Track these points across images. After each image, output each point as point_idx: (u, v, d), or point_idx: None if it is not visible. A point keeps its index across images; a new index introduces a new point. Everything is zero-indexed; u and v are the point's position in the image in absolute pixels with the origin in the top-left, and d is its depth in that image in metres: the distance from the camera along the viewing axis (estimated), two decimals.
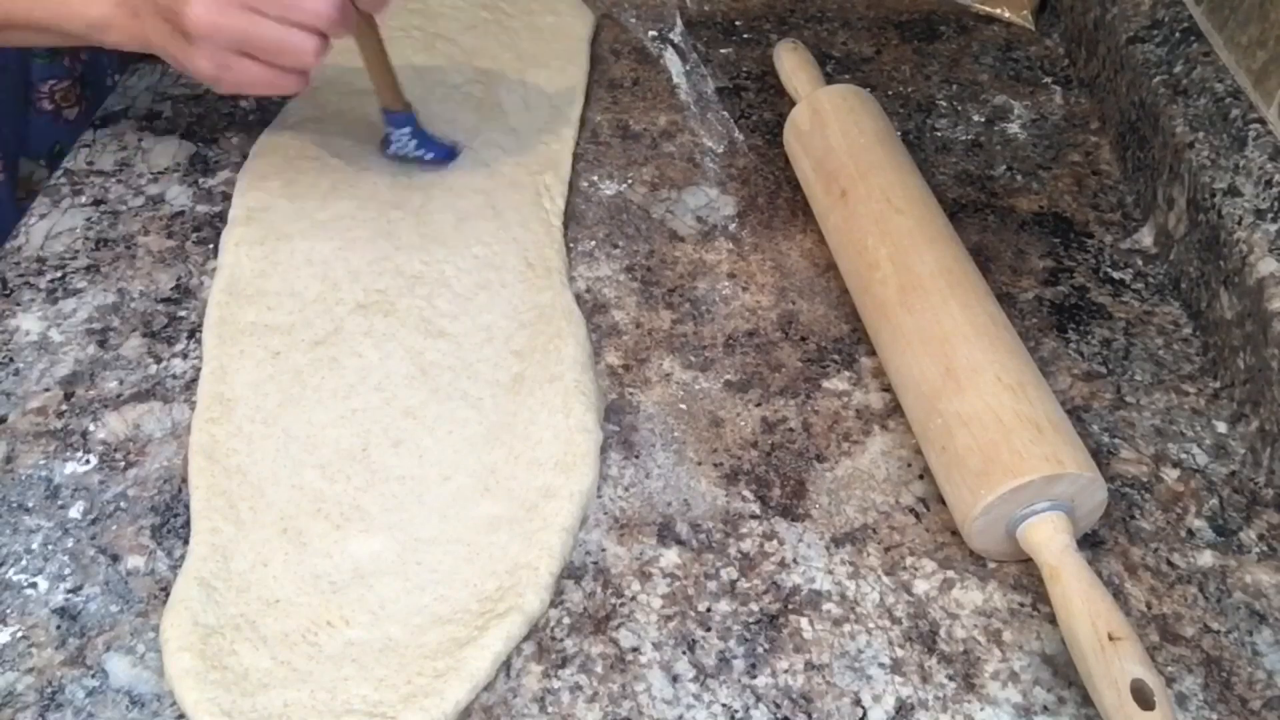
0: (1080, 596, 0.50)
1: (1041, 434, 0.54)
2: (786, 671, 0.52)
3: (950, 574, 0.56)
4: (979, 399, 0.56)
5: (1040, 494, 0.53)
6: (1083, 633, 0.49)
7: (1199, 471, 0.61)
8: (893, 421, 0.62)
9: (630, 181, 0.78)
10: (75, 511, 0.57)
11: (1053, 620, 0.52)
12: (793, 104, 0.78)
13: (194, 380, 0.63)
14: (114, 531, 0.56)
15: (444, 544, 0.55)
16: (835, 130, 0.72)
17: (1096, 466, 0.54)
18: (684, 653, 0.52)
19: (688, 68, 0.89)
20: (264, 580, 0.53)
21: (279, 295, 0.66)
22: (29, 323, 0.66)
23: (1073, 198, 0.78)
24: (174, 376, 0.64)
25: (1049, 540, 0.52)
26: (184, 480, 0.58)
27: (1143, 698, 0.46)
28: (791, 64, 0.82)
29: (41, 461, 0.59)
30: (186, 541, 0.55)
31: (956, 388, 0.57)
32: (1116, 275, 0.72)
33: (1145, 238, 0.75)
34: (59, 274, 0.69)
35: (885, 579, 0.55)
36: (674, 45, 0.91)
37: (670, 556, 0.56)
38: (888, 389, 0.64)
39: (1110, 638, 0.48)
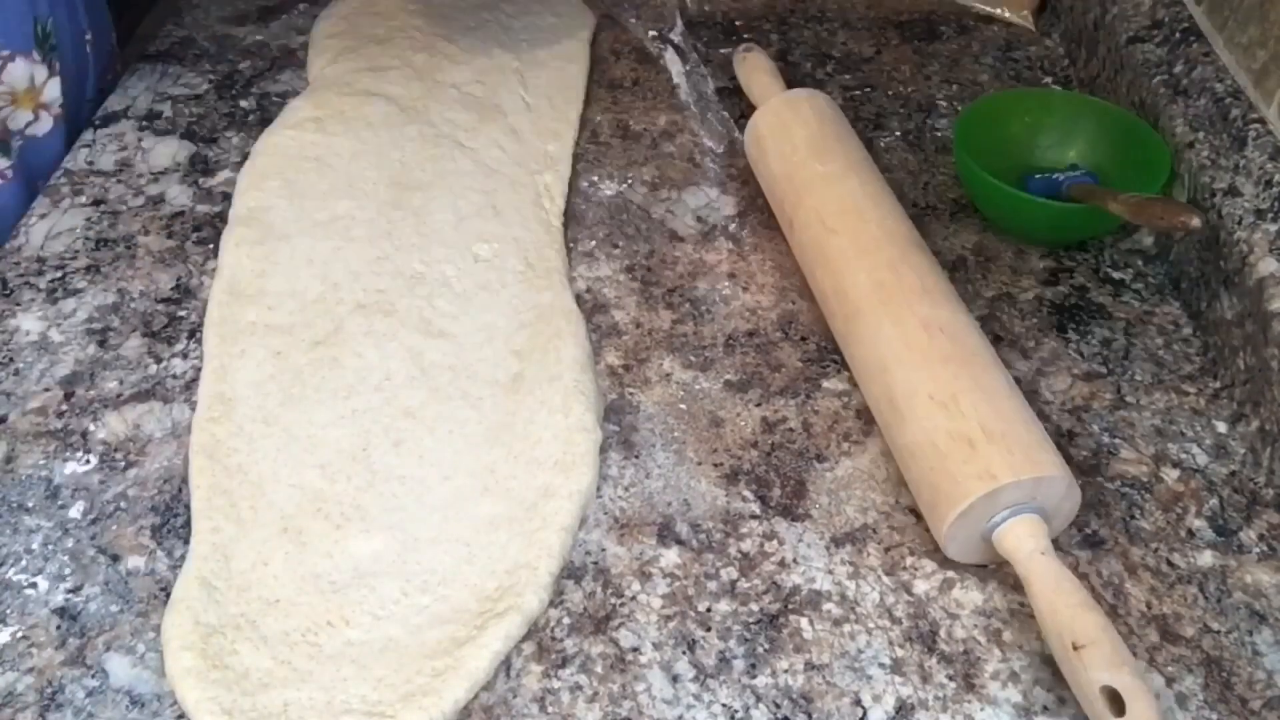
0: (1046, 606, 0.50)
1: (974, 449, 0.53)
2: (786, 671, 0.52)
3: (950, 574, 0.56)
4: (917, 427, 0.56)
5: (990, 508, 0.53)
6: (1053, 644, 0.49)
7: (1199, 471, 0.61)
8: None
9: (630, 181, 0.78)
10: (75, 511, 0.57)
11: None
12: None
13: (194, 380, 0.63)
14: (114, 531, 0.56)
15: (444, 544, 0.55)
16: (774, 155, 0.72)
17: (1048, 459, 0.53)
18: (684, 653, 0.52)
19: (688, 68, 0.89)
20: (264, 580, 0.53)
21: (279, 295, 0.66)
22: (29, 323, 0.66)
23: None
24: (174, 376, 0.64)
25: (1016, 548, 0.52)
26: (184, 480, 0.58)
27: (1117, 702, 0.46)
28: (743, 75, 0.82)
29: (41, 461, 0.59)
30: (186, 541, 0.55)
31: (900, 418, 0.57)
32: (1116, 275, 0.72)
33: (1145, 238, 0.75)
34: (59, 274, 0.69)
35: (885, 579, 0.55)
36: (674, 45, 0.91)
37: (670, 556, 0.56)
38: None
39: (1075, 647, 0.48)
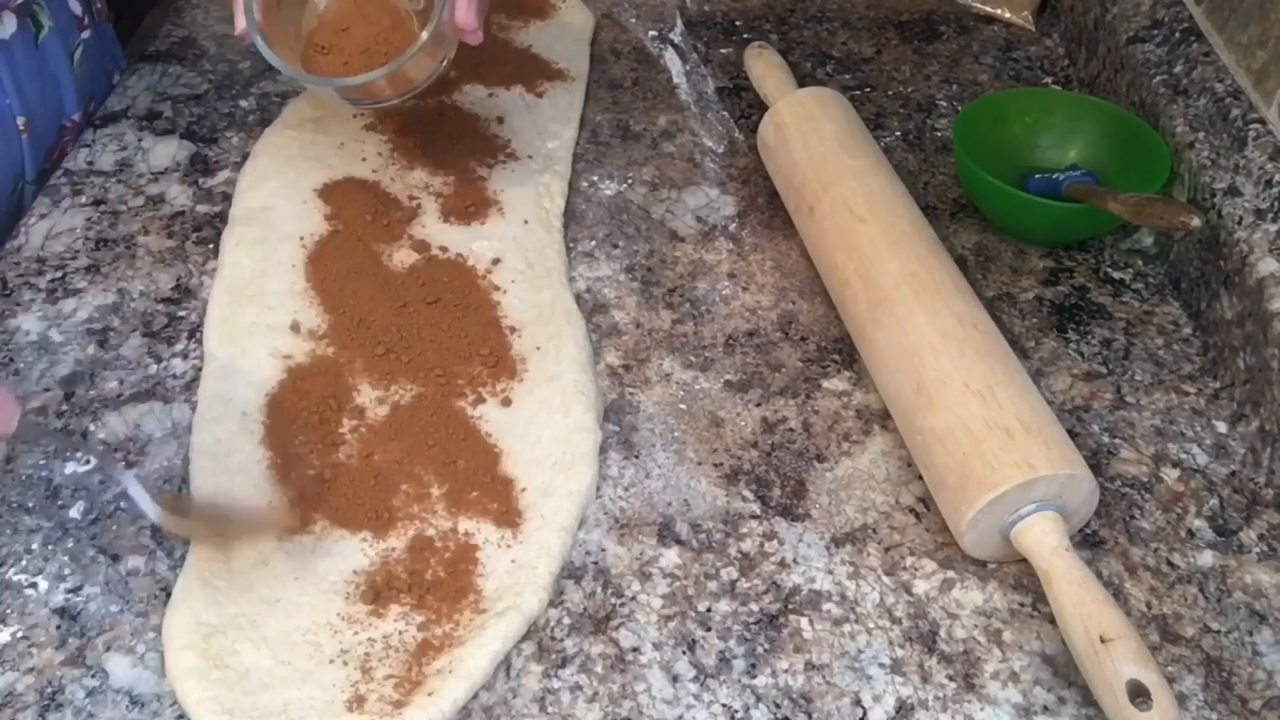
0: (1070, 600, 0.50)
1: (1012, 439, 0.54)
2: (786, 671, 0.52)
3: (950, 574, 0.56)
4: (949, 412, 0.56)
5: (1021, 499, 0.53)
6: (1076, 637, 0.49)
7: (1199, 471, 0.61)
8: (893, 421, 0.62)
9: (630, 181, 0.78)
10: (75, 511, 0.57)
11: (1053, 620, 0.52)
12: None
13: (194, 380, 0.63)
14: (114, 531, 0.56)
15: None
16: (797, 143, 0.72)
17: (1077, 458, 0.54)
18: (684, 653, 0.52)
19: (688, 68, 0.89)
20: (265, 579, 0.53)
21: (279, 295, 0.66)
22: (29, 323, 0.66)
23: None
24: (174, 376, 0.64)
25: (1038, 543, 0.52)
26: (184, 480, 0.58)
27: (1142, 697, 0.46)
28: (759, 70, 0.81)
29: (41, 461, 0.59)
30: (187, 541, 0.55)
31: (929, 403, 0.57)
32: (1116, 275, 0.72)
33: (1145, 238, 0.75)
34: (59, 274, 0.69)
35: (885, 579, 0.55)
36: (674, 45, 0.91)
37: (670, 556, 0.56)
38: None
39: (1102, 640, 0.48)
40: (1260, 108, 0.70)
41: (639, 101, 0.86)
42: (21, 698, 0.49)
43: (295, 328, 0.64)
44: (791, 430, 0.62)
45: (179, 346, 0.65)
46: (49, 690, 0.50)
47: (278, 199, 0.72)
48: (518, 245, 0.70)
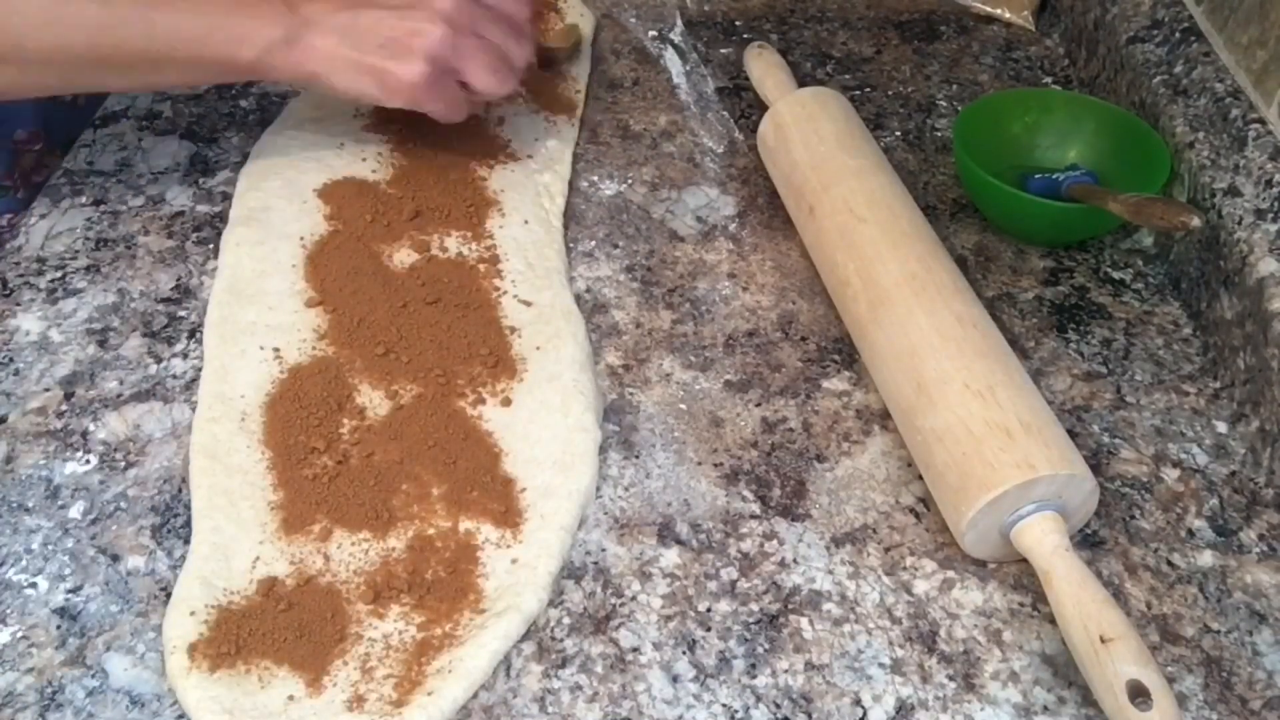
0: (1070, 600, 0.50)
1: (1012, 439, 0.54)
2: (786, 671, 0.52)
3: (950, 574, 0.56)
4: (949, 412, 0.56)
5: (1021, 499, 0.53)
6: (1076, 636, 0.49)
7: (1199, 471, 0.61)
8: (893, 422, 0.62)
9: (630, 181, 0.78)
10: (75, 511, 0.57)
11: (1053, 620, 0.52)
12: None
13: (194, 380, 0.63)
14: (114, 531, 0.56)
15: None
16: (797, 143, 0.72)
17: (1077, 458, 0.54)
18: (684, 653, 0.52)
19: (688, 68, 0.89)
20: (265, 579, 0.53)
21: (279, 295, 0.66)
22: (29, 323, 0.66)
23: None
24: (174, 376, 0.64)
25: (1038, 543, 0.52)
26: (184, 480, 0.58)
27: (1142, 697, 0.46)
28: (759, 70, 0.81)
29: (41, 461, 0.59)
30: (187, 541, 0.55)
31: (929, 403, 0.57)
32: (1116, 275, 0.72)
33: (1145, 238, 0.75)
34: (59, 274, 0.69)
35: (885, 579, 0.55)
36: (674, 45, 0.91)
37: (670, 556, 0.56)
38: None
39: (1102, 640, 0.48)
40: (1260, 108, 0.70)
41: (639, 101, 0.86)
42: (21, 698, 0.49)
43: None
44: (791, 430, 0.62)
45: (179, 346, 0.65)
46: (49, 690, 0.50)
47: (278, 199, 0.72)
48: (518, 245, 0.70)
